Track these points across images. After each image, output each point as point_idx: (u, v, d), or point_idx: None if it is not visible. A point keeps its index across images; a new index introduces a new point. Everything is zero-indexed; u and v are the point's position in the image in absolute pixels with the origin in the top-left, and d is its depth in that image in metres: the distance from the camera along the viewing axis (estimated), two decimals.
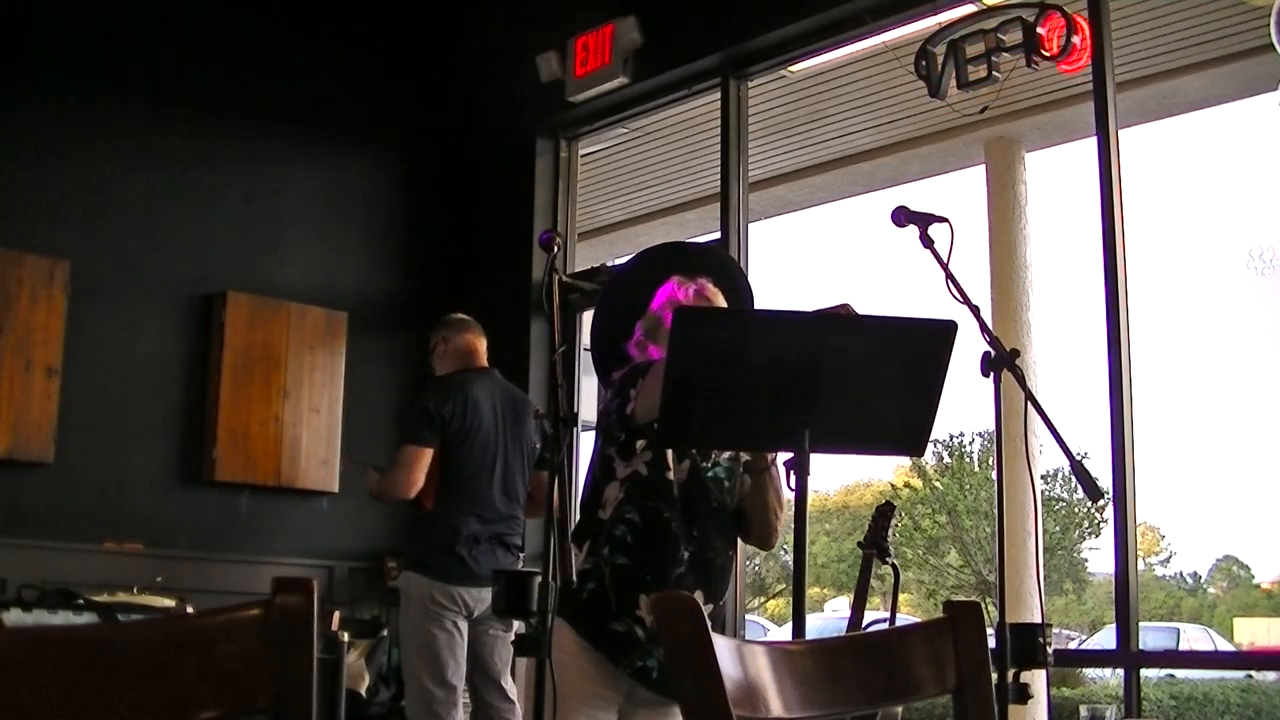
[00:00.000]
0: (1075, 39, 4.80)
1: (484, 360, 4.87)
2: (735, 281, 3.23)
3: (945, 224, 2.75)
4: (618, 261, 8.31)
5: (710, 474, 2.93)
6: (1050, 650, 2.71)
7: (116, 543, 5.75)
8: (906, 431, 2.56)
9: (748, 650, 1.19)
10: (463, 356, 4.83)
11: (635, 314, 3.03)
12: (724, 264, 3.30)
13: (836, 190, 8.64)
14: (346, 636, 5.45)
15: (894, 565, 3.59)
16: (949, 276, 2.68)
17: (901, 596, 5.20)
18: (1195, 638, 17.25)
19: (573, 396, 5.19)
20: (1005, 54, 4.95)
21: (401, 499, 4.63)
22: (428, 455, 4.57)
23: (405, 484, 4.56)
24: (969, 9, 5.13)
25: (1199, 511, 30.75)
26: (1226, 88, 6.75)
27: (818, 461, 2.52)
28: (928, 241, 2.72)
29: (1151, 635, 14.84)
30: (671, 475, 2.86)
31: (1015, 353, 2.66)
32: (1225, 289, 35.18)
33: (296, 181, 6.72)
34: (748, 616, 9.91)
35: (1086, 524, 19.91)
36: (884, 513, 3.62)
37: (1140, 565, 7.50)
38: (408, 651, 4.57)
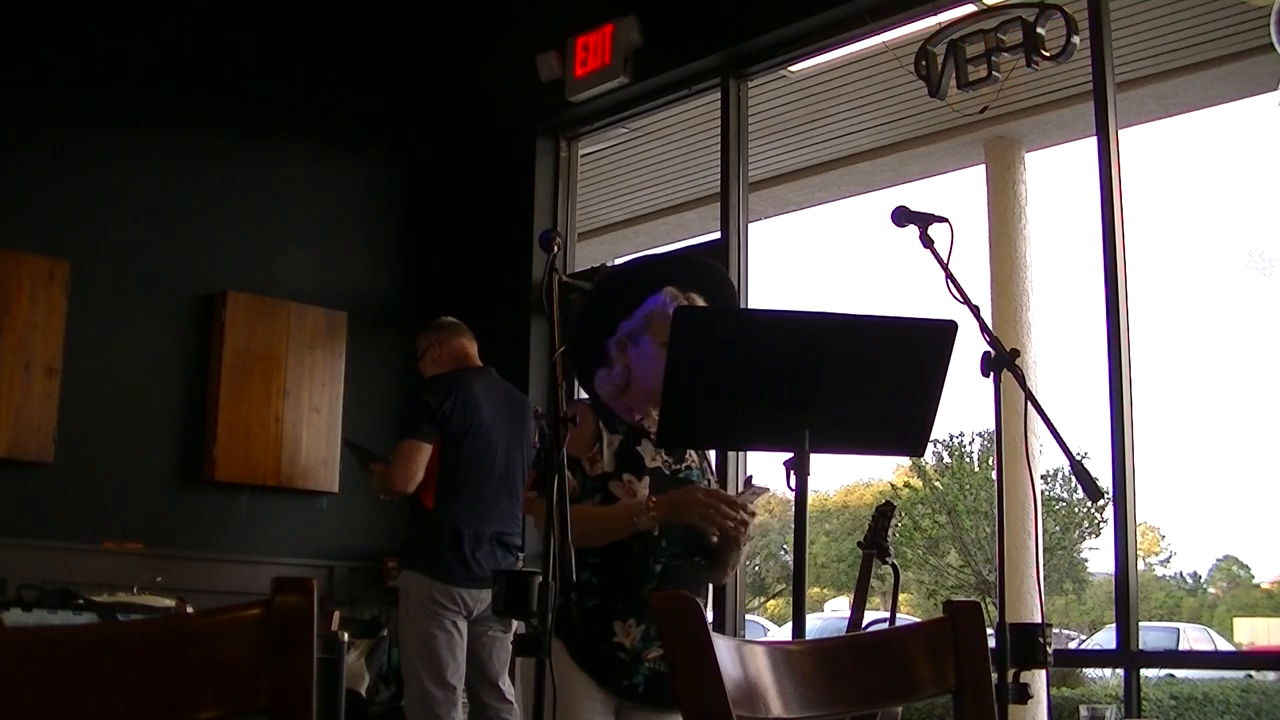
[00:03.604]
0: (1075, 39, 4.80)
1: (477, 362, 4.87)
2: (732, 304, 3.19)
3: (945, 224, 2.75)
4: (617, 261, 8.32)
5: (682, 475, 2.92)
6: (1050, 650, 2.70)
7: (116, 543, 5.74)
8: (906, 431, 2.56)
9: (748, 650, 1.19)
10: (457, 358, 4.82)
11: (622, 314, 3.01)
12: (723, 285, 3.28)
13: (836, 190, 8.65)
14: (346, 636, 5.44)
15: (894, 565, 3.58)
16: (949, 276, 2.67)
17: (901, 596, 5.20)
18: (1195, 638, 17.26)
19: (573, 396, 5.16)
20: (1005, 54, 4.95)
21: (401, 492, 4.58)
22: (427, 450, 4.55)
23: (404, 477, 4.52)
24: (969, 9, 5.13)
25: (1199, 511, 30.81)
26: (1226, 88, 6.75)
27: (818, 461, 2.52)
28: (928, 241, 2.72)
29: (1151, 635, 14.84)
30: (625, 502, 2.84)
31: (1015, 353, 2.66)
32: (1225, 289, 35.21)
33: (296, 181, 6.71)
34: (748, 616, 9.91)
35: (1086, 524, 19.90)
36: (884, 513, 3.61)
37: (1140, 565, 7.50)
38: (407, 651, 4.55)
